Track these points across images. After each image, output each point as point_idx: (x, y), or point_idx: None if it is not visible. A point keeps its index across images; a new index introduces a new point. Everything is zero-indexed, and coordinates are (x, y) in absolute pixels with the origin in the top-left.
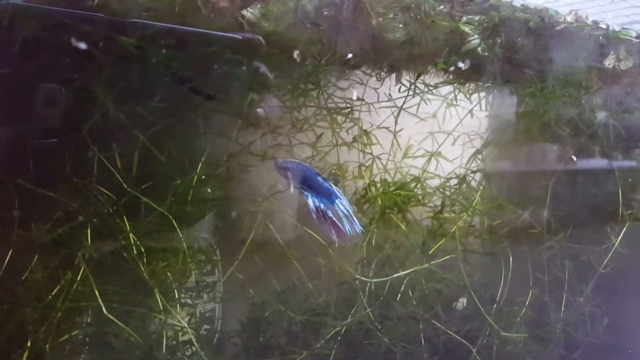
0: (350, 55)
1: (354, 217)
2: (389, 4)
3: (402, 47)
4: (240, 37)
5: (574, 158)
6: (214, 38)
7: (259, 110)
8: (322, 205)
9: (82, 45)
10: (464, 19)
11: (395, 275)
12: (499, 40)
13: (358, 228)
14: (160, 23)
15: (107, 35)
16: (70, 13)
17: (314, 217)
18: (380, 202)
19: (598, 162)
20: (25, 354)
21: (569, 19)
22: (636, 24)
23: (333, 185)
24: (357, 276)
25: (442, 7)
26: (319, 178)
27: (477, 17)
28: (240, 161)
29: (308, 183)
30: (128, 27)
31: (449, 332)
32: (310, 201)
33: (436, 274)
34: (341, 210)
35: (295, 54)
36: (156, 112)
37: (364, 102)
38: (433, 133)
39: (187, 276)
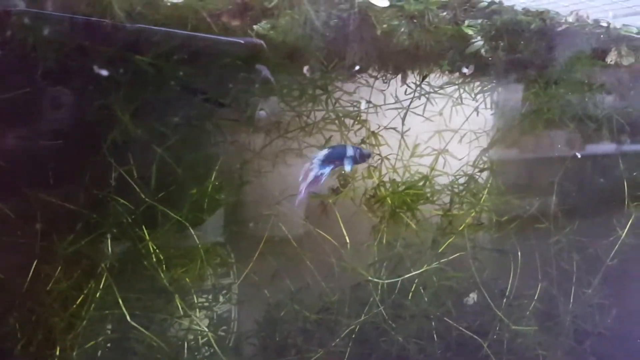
0: (357, 67)
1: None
2: (393, 13)
3: (407, 52)
4: (243, 42)
5: (578, 155)
6: (221, 48)
7: (260, 112)
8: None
9: (102, 70)
10: (467, 22)
11: (406, 276)
12: (501, 43)
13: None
14: (165, 29)
15: (123, 55)
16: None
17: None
18: (389, 201)
19: (603, 157)
20: None
21: (570, 19)
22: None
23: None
24: (370, 277)
25: (445, 13)
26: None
27: (479, 21)
28: (252, 166)
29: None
30: (142, 44)
31: (460, 327)
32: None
33: (446, 271)
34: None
35: (305, 69)
36: (171, 125)
37: (371, 105)
38: (440, 131)
39: (204, 279)
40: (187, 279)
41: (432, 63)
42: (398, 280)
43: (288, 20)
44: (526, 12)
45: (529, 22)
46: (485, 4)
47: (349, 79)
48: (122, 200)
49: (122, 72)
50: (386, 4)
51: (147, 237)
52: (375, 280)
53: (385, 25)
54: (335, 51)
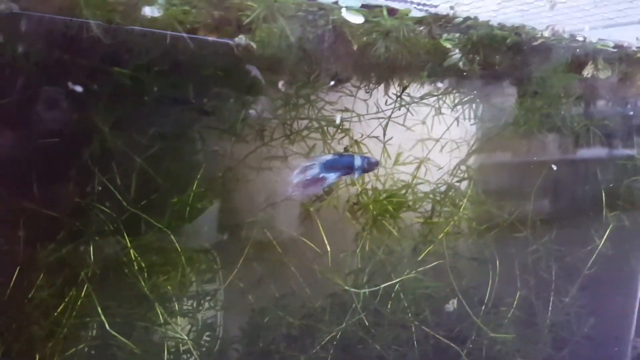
0: (332, 83)
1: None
2: (370, 28)
3: (385, 65)
4: (233, 43)
5: (554, 167)
6: (210, 51)
7: (250, 112)
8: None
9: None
10: (444, 36)
11: (382, 285)
12: (477, 58)
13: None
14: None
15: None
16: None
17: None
18: (371, 209)
19: (581, 167)
20: None
21: (546, 33)
22: (620, 27)
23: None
24: (346, 287)
25: (421, 28)
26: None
27: (457, 35)
28: (236, 174)
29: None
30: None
31: (436, 336)
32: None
33: (426, 279)
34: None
35: (280, 84)
36: (154, 134)
37: (354, 114)
38: (423, 140)
39: (188, 286)
40: (168, 287)
41: (411, 75)
42: (376, 289)
43: (265, 35)
44: (502, 27)
45: (505, 37)
46: (461, 19)
47: (330, 89)
48: (104, 208)
49: (103, 84)
50: (361, 20)
51: (129, 244)
52: (352, 290)
53: (364, 39)
54: (314, 64)
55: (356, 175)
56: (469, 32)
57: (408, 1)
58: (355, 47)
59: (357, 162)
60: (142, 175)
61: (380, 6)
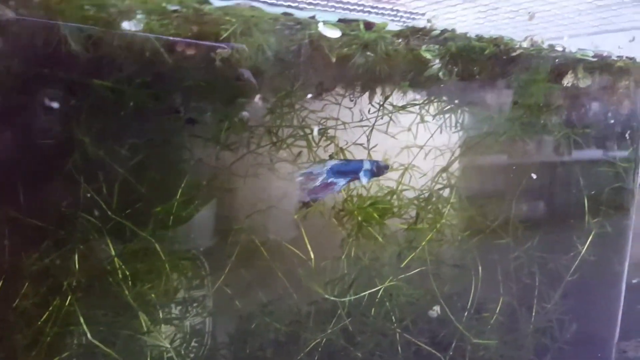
0: (309, 96)
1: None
2: (349, 40)
3: (366, 75)
4: (226, 47)
5: (534, 176)
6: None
7: (244, 113)
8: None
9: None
10: (424, 47)
11: (362, 294)
12: (455, 69)
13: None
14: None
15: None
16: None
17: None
18: (357, 216)
19: (563, 175)
20: None
21: (525, 44)
22: (605, 34)
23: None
24: (326, 295)
25: (399, 40)
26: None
27: (436, 46)
28: (223, 181)
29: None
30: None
31: (417, 342)
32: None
33: (406, 286)
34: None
35: (257, 97)
36: (138, 144)
37: (339, 122)
38: (407, 147)
39: (174, 293)
40: (152, 295)
41: (394, 84)
42: (358, 296)
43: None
44: (480, 38)
45: (483, 48)
46: (438, 32)
47: (315, 98)
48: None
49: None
50: (338, 34)
51: (113, 253)
52: (331, 297)
53: (345, 49)
54: (292, 76)
55: (365, 180)
56: (447, 43)
57: (393, 12)
58: (334, 59)
59: (366, 166)
60: (128, 184)
61: (357, 20)
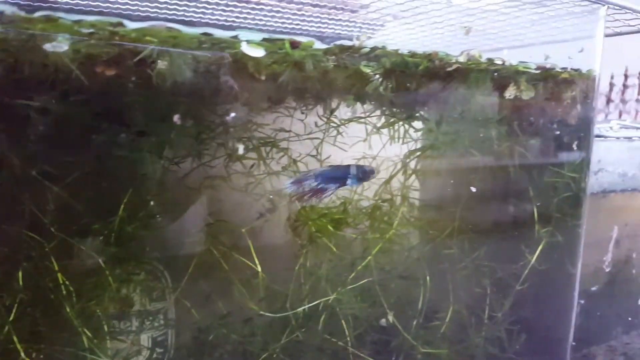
0: (233, 114)
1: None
2: (280, 58)
3: (305, 91)
4: (210, 55)
5: (473, 189)
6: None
7: (227, 118)
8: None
9: None
10: (363, 63)
11: (300, 309)
12: (390, 85)
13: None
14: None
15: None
16: None
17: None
18: (310, 226)
19: (511, 186)
20: None
21: (461, 59)
22: (559, 44)
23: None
24: (261, 312)
25: (332, 57)
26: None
27: (371, 63)
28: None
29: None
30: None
31: (361, 355)
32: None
33: (352, 299)
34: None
35: (176, 117)
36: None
37: (292, 134)
38: (361, 159)
39: (130, 306)
40: (97, 311)
41: (338, 98)
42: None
43: (163, 69)
44: (413, 54)
45: (417, 64)
46: (368, 49)
47: (266, 111)
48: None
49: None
50: (262, 54)
51: (56, 268)
52: (267, 314)
53: (274, 68)
54: (218, 95)
55: (353, 185)
56: (380, 60)
57: (351, 23)
58: (263, 77)
59: (353, 171)
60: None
61: (282, 39)
